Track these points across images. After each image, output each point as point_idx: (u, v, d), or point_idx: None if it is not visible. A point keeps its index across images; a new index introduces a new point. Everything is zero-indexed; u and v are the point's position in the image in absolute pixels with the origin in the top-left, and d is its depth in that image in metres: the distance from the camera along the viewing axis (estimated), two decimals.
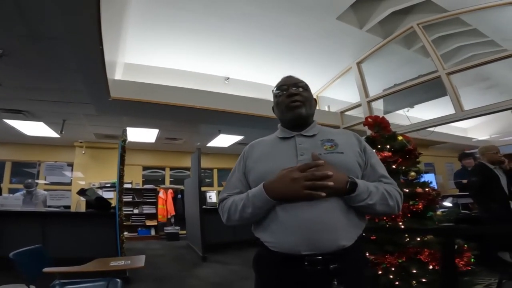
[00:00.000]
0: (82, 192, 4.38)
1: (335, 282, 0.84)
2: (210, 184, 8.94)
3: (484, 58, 3.75)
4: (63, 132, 5.46)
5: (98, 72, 3.19)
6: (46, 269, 1.94)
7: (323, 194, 0.84)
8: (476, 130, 8.38)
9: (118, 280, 2.16)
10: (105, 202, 4.24)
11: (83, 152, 7.16)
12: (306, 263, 0.84)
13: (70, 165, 6.84)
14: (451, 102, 3.92)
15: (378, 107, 5.13)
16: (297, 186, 0.85)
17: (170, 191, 7.89)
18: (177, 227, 7.44)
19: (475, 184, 3.44)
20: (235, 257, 5.01)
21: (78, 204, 4.76)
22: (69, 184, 6.75)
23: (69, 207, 4.69)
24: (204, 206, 5.35)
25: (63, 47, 2.82)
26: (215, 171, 9.14)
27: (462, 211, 4.13)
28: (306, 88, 1.08)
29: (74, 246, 3.73)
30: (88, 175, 7.01)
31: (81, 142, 7.10)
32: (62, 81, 3.61)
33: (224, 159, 8.74)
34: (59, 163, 5.19)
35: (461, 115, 3.82)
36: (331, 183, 0.85)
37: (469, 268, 2.10)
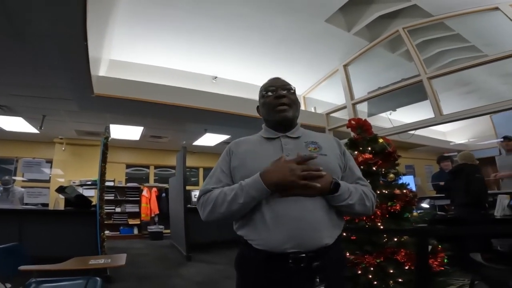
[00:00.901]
0: (61, 189, 4.25)
1: (318, 279, 0.88)
2: (196, 183, 8.87)
3: (465, 63, 3.86)
4: (42, 128, 5.30)
5: (81, 68, 3.13)
6: (22, 267, 1.88)
7: (318, 185, 0.88)
8: (455, 134, 8.64)
9: (98, 278, 2.11)
10: (85, 200, 4.14)
11: (63, 148, 6.96)
12: (290, 261, 0.86)
13: (49, 161, 6.63)
14: (431, 106, 4.05)
15: (363, 110, 5.23)
16: (295, 176, 0.87)
17: (154, 189, 7.78)
18: (161, 226, 7.35)
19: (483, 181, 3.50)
20: (220, 256, 5.01)
21: (57, 202, 4.61)
22: (48, 181, 6.55)
23: (47, 205, 4.56)
24: (189, 205, 5.30)
25: (46, 42, 2.74)
26: (200, 170, 9.10)
27: (439, 212, 4.27)
28: (293, 91, 1.11)
29: (52, 245, 3.61)
30: (68, 172, 6.81)
31: (61, 139, 6.89)
32: (44, 76, 3.50)
33: (210, 158, 8.68)
34: (37, 160, 5.03)
35: (440, 119, 3.95)
36: (323, 173, 0.90)
37: (443, 268, 2.17)
